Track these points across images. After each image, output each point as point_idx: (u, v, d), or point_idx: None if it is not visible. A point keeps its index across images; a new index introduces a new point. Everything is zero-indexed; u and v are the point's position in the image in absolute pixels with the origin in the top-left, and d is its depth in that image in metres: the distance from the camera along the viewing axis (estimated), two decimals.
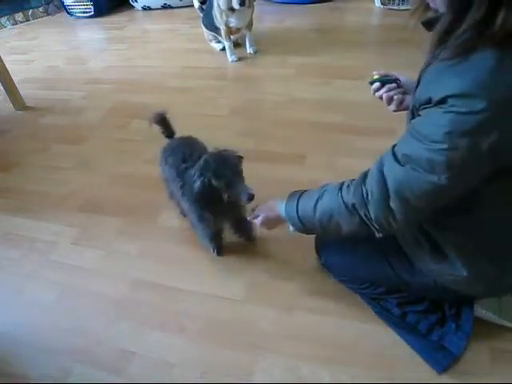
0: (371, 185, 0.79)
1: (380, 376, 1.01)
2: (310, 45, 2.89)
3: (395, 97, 0.96)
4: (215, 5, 2.57)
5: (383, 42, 2.84)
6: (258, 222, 1.10)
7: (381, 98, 0.99)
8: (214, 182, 1.07)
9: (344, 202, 0.84)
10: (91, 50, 3.41)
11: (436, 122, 0.68)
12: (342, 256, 1.12)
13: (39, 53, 3.33)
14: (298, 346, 1.09)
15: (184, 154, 1.25)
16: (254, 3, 2.68)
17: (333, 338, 1.10)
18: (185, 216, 1.45)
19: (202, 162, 1.10)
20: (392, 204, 0.76)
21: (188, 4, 3.80)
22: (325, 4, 3.64)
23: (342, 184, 0.88)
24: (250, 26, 2.75)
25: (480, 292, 0.98)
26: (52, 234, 1.53)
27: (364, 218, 0.82)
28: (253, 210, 1.14)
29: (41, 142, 2.10)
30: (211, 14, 2.69)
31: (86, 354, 1.13)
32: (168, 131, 1.38)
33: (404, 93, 0.98)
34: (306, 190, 0.98)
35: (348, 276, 1.14)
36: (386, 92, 0.97)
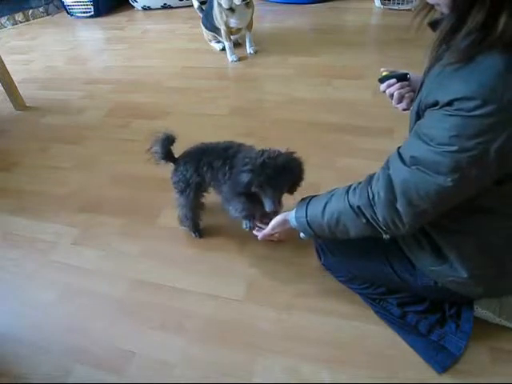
0: (378, 187, 0.79)
1: (380, 376, 1.01)
2: (310, 45, 2.89)
3: (406, 94, 0.96)
4: (215, 5, 2.57)
5: (383, 42, 2.84)
6: (275, 238, 1.20)
7: (391, 95, 0.98)
8: (253, 187, 1.06)
9: (350, 205, 0.84)
10: (91, 50, 3.41)
11: (443, 124, 0.68)
12: (342, 256, 1.12)
13: (39, 53, 3.33)
14: (298, 346, 1.09)
15: (218, 146, 1.25)
16: (254, 3, 2.68)
17: (333, 338, 1.10)
18: (183, 226, 1.45)
19: (258, 160, 1.06)
20: (399, 206, 0.77)
21: (188, 4, 3.79)
22: (325, 4, 3.64)
23: (349, 187, 0.88)
24: (250, 26, 2.75)
25: (480, 293, 0.98)
26: (52, 234, 1.53)
27: (371, 219, 0.82)
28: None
29: (41, 142, 2.10)
30: (211, 15, 2.69)
31: (86, 354, 1.13)
32: (169, 156, 1.31)
33: (412, 90, 0.97)
34: (314, 196, 0.99)
35: (348, 276, 1.14)
36: (399, 89, 0.97)
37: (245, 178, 1.06)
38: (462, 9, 0.62)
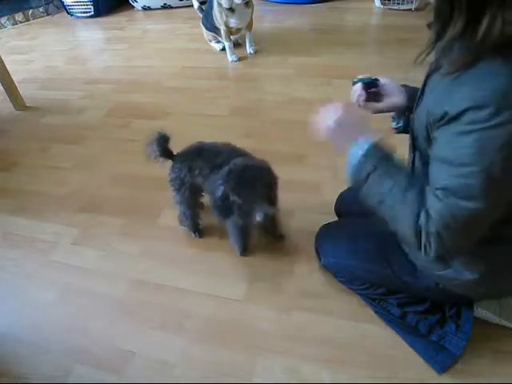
0: (428, 230, 0.72)
1: (380, 376, 1.01)
2: (310, 45, 2.89)
3: (361, 98, 0.98)
4: (215, 5, 2.57)
5: (383, 42, 2.84)
6: (323, 126, 0.89)
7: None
8: (230, 196, 1.06)
9: (417, 222, 0.74)
10: (91, 50, 3.41)
11: (461, 143, 0.64)
12: (342, 257, 1.11)
13: (39, 53, 3.33)
14: (298, 346, 1.09)
15: (213, 150, 1.24)
16: (254, 3, 2.68)
17: (333, 338, 1.10)
18: (182, 225, 1.45)
19: (227, 170, 1.07)
20: (447, 243, 0.72)
21: (188, 4, 3.79)
22: (325, 4, 3.64)
23: (425, 196, 0.74)
24: (250, 26, 2.75)
25: (482, 294, 0.98)
26: (52, 234, 1.53)
27: (423, 246, 0.75)
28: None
29: (41, 142, 2.10)
30: (211, 15, 2.69)
31: (86, 354, 1.13)
32: (166, 153, 1.30)
33: (379, 94, 0.98)
34: (387, 158, 0.81)
35: (348, 276, 1.14)
36: (359, 95, 0.99)
37: (219, 191, 1.07)
38: (444, 16, 0.62)
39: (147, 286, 1.30)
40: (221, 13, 2.57)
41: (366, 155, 0.82)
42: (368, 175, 0.81)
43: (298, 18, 3.40)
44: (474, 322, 1.02)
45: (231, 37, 2.73)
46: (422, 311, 1.07)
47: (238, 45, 2.94)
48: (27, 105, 2.48)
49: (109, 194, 1.70)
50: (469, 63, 0.61)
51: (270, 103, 2.24)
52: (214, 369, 1.06)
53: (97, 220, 1.58)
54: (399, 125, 1.01)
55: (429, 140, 0.75)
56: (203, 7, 2.90)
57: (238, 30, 2.74)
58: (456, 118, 0.64)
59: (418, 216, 0.73)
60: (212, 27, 2.77)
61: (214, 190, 1.10)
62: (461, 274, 0.87)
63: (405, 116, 0.98)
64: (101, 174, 1.82)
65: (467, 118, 0.62)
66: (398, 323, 1.08)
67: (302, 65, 2.60)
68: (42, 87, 2.72)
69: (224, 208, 1.10)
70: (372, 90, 0.97)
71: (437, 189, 0.70)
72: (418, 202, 0.74)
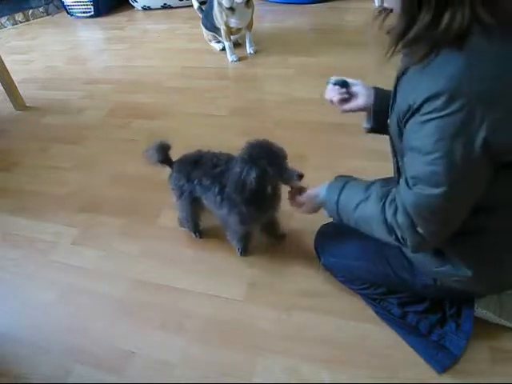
0: (398, 215, 0.79)
1: (380, 376, 1.01)
2: (310, 45, 2.89)
3: (334, 98, 1.03)
4: (216, 5, 2.57)
5: (383, 42, 2.83)
6: (300, 211, 1.09)
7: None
8: (268, 169, 1.06)
9: (385, 218, 0.82)
10: (91, 50, 3.41)
11: (423, 132, 0.68)
12: (342, 256, 1.12)
13: (39, 53, 3.33)
14: (298, 346, 1.09)
15: (211, 160, 1.22)
16: (254, 3, 2.68)
17: (333, 338, 1.10)
18: (183, 227, 1.45)
19: (246, 154, 1.08)
20: (419, 229, 0.76)
21: (188, 4, 3.79)
22: (325, 4, 3.64)
23: (387, 195, 0.84)
24: (250, 26, 2.75)
25: (482, 290, 0.98)
26: (52, 234, 1.53)
27: (400, 239, 0.81)
28: (292, 192, 1.11)
29: (41, 142, 2.10)
30: (211, 15, 2.69)
31: (85, 354, 1.13)
32: (165, 160, 1.30)
33: (350, 94, 1.03)
34: (349, 180, 0.97)
35: (348, 276, 1.14)
36: (331, 95, 1.04)
37: (251, 175, 1.05)
38: (412, 11, 0.65)
39: (147, 286, 1.30)
40: (221, 12, 2.57)
41: (327, 193, 0.98)
42: (336, 204, 0.94)
43: (298, 18, 3.40)
44: (474, 322, 1.02)
45: (231, 37, 2.73)
46: (423, 311, 1.07)
47: (238, 45, 2.94)
48: (27, 105, 2.48)
49: (109, 194, 1.70)
50: (428, 53, 0.65)
51: (270, 103, 2.25)
52: (214, 369, 1.06)
53: (97, 220, 1.58)
54: (367, 126, 1.05)
55: (401, 137, 0.78)
56: (203, 7, 2.90)
57: (238, 29, 2.74)
58: (418, 108, 0.67)
59: (384, 211, 0.82)
60: (212, 27, 2.77)
61: (241, 186, 1.07)
62: (458, 269, 0.87)
63: (373, 117, 1.01)
64: (101, 174, 1.82)
65: (427, 107, 0.66)
66: (399, 323, 1.08)
67: (302, 65, 2.60)
68: (42, 87, 2.72)
69: (256, 192, 1.09)
70: (342, 90, 1.03)
71: (408, 178, 0.74)
72: (379, 199, 0.84)
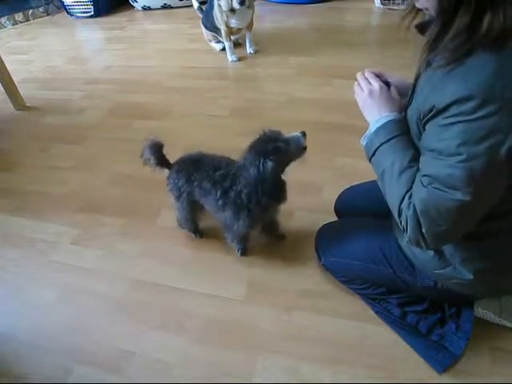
0: (411, 208, 0.76)
1: (380, 376, 1.01)
2: (310, 45, 2.89)
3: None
4: (216, 5, 2.57)
5: (383, 42, 2.84)
6: (363, 89, 0.90)
7: None
8: (283, 147, 1.08)
9: (401, 200, 0.78)
10: (91, 50, 3.41)
11: (447, 134, 0.66)
12: (342, 256, 1.12)
13: (39, 53, 3.33)
14: (298, 346, 1.09)
15: (211, 163, 1.21)
16: (254, 3, 2.68)
17: (333, 338, 1.10)
18: (182, 227, 1.45)
19: (257, 145, 1.10)
20: (423, 229, 0.74)
21: (188, 4, 3.80)
22: (325, 4, 3.64)
23: (415, 178, 0.77)
24: (250, 26, 2.75)
25: (482, 293, 0.98)
26: (52, 234, 1.53)
27: (403, 226, 0.79)
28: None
29: (41, 142, 2.10)
30: (211, 15, 2.69)
31: (86, 354, 1.13)
32: (162, 162, 1.28)
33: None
34: (401, 134, 0.82)
35: (348, 276, 1.14)
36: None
37: (269, 165, 1.06)
38: (449, 12, 0.63)
39: (147, 286, 1.30)
40: (221, 13, 2.57)
41: (379, 129, 0.84)
42: (377, 148, 0.84)
43: (298, 18, 3.40)
44: (474, 322, 1.02)
45: (231, 37, 2.74)
46: (422, 311, 1.07)
47: (238, 45, 2.94)
48: (27, 105, 2.48)
49: (109, 194, 1.70)
50: (461, 57, 0.63)
51: (270, 103, 2.24)
52: (213, 369, 1.06)
53: (97, 220, 1.58)
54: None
55: (420, 136, 0.77)
56: (203, 7, 2.90)
57: (239, 29, 2.74)
58: (443, 110, 0.66)
59: (403, 198, 0.78)
60: (212, 27, 2.77)
61: (261, 176, 1.07)
62: (459, 272, 0.87)
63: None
64: (101, 174, 1.82)
65: (453, 110, 0.64)
66: (399, 323, 1.08)
67: (302, 65, 2.60)
68: (42, 87, 2.72)
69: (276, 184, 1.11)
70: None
71: (423, 175, 0.73)
72: (408, 187, 0.77)
